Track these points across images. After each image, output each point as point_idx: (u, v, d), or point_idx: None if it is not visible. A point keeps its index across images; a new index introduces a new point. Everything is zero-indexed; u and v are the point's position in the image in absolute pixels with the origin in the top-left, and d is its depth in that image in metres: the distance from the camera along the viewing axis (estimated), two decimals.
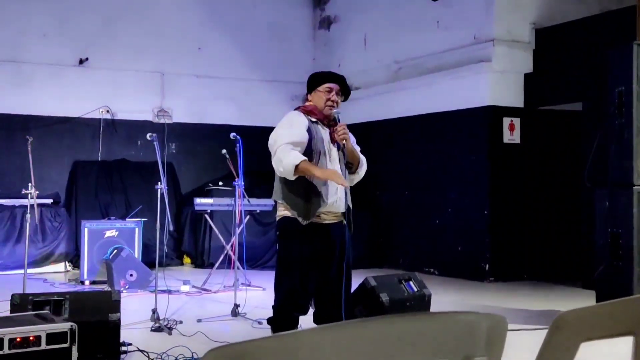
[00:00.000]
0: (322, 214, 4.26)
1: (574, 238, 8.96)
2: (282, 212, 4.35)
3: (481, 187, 9.23)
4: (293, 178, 4.15)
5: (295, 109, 4.44)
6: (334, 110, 4.34)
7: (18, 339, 3.36)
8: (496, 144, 9.19)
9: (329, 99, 4.34)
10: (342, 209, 4.31)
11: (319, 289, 4.35)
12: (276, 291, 4.44)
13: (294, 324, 4.41)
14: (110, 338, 4.43)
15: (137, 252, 8.51)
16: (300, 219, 4.23)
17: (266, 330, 5.37)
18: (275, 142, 4.21)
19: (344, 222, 4.31)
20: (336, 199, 4.27)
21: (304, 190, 4.22)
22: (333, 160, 4.33)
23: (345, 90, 4.47)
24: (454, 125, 9.60)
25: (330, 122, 4.37)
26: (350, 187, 4.40)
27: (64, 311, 4.31)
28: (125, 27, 11.08)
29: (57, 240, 9.41)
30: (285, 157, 4.09)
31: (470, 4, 9.54)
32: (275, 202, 4.47)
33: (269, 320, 4.50)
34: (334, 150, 4.35)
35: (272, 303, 4.50)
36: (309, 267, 4.27)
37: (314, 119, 4.33)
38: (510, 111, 9.25)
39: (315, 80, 4.45)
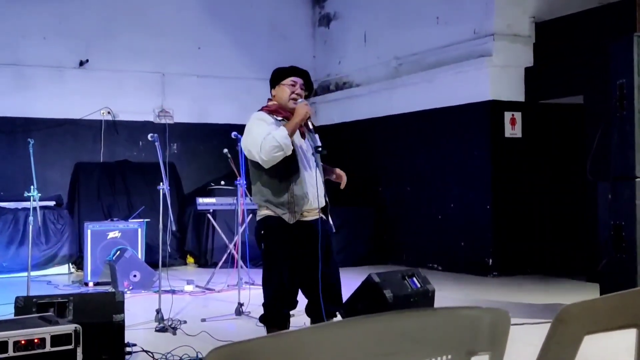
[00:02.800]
0: (305, 211, 4.30)
1: (577, 231, 8.96)
2: (265, 211, 4.36)
3: (483, 181, 9.22)
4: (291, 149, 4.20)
5: (258, 111, 4.45)
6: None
7: (22, 342, 3.36)
8: (498, 139, 9.18)
9: (293, 92, 4.38)
10: (321, 204, 4.37)
11: (307, 283, 4.38)
12: (265, 289, 4.45)
13: (286, 320, 4.45)
14: (115, 339, 4.43)
15: (141, 253, 8.52)
16: (286, 218, 4.25)
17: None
18: (254, 144, 4.21)
19: (323, 217, 4.40)
20: (315, 194, 4.29)
21: (288, 190, 4.25)
22: (307, 152, 4.39)
23: (308, 85, 4.51)
24: (455, 120, 9.59)
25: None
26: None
27: (68, 313, 4.31)
28: (125, 28, 11.09)
29: (60, 242, 9.42)
30: (274, 140, 4.12)
31: None
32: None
33: (261, 318, 4.50)
34: (305, 143, 4.42)
35: (262, 301, 4.52)
36: (295, 263, 4.31)
37: (279, 118, 4.35)
38: (512, 105, 9.24)
39: (279, 75, 4.50)
